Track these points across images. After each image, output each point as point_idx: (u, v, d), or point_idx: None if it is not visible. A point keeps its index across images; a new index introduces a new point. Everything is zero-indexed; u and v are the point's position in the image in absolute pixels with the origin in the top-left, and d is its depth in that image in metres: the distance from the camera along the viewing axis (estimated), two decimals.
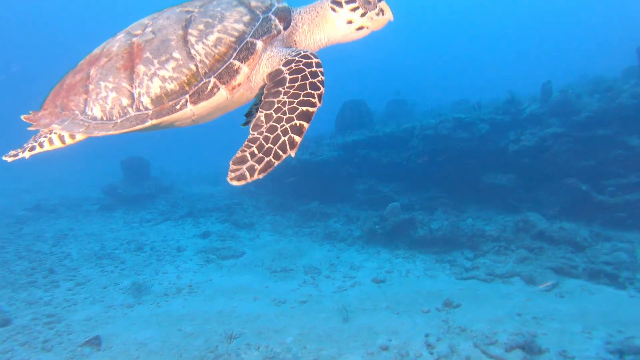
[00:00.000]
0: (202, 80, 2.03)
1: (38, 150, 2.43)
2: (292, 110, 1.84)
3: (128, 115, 2.08)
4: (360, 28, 2.28)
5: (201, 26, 2.08)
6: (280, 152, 1.77)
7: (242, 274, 8.06)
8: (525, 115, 10.64)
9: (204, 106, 2.06)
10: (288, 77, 1.96)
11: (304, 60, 2.00)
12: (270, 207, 13.27)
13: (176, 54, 2.03)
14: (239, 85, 2.10)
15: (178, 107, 2.03)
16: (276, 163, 1.76)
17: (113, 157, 18.07)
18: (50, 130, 2.35)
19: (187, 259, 8.88)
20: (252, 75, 2.15)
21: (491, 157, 10.69)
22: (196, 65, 2.02)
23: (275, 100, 1.89)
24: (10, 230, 10.72)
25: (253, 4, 2.20)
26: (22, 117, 2.37)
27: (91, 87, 2.16)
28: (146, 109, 2.07)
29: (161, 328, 5.71)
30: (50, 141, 2.40)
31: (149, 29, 2.17)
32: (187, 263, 8.64)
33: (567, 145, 9.73)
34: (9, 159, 2.45)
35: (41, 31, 50.83)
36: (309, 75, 1.94)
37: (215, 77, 2.03)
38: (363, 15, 2.24)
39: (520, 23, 58.49)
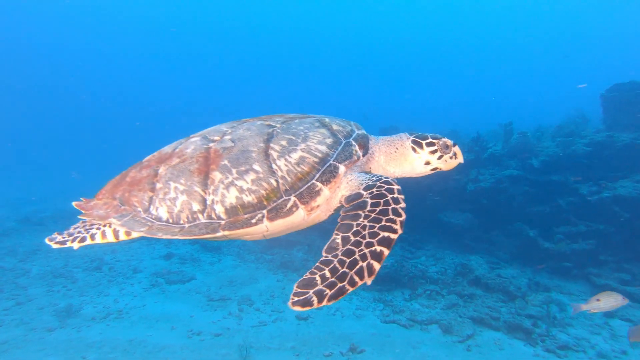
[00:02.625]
0: (282, 197, 1.99)
1: (88, 242, 2.26)
2: (373, 235, 1.70)
3: (198, 222, 2.00)
4: (435, 169, 2.41)
5: (284, 142, 2.09)
6: (357, 278, 1.57)
7: (178, 300, 8.33)
8: (487, 155, 10.57)
9: (280, 224, 2.00)
10: (369, 201, 1.89)
11: (386, 186, 1.96)
12: None
13: (257, 167, 2.01)
14: (317, 206, 2.07)
15: (254, 221, 1.96)
16: (350, 290, 1.54)
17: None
18: (105, 224, 2.23)
19: (136, 282, 9.25)
20: (331, 198, 2.12)
21: (451, 195, 10.64)
22: (277, 181, 1.99)
23: (354, 223, 1.79)
24: None
25: (335, 127, 2.25)
26: (74, 203, 2.35)
27: (159, 185, 2.09)
28: (219, 218, 1.98)
29: (66, 355, 6.03)
30: (104, 234, 2.25)
31: (227, 137, 2.18)
32: (134, 286, 9.00)
33: (523, 189, 9.61)
34: (54, 245, 2.27)
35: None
36: (391, 201, 1.86)
37: (295, 196, 1.99)
38: (440, 158, 2.37)
39: (537, 57, 58.50)
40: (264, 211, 1.96)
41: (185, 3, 53.50)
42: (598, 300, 5.26)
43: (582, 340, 6.46)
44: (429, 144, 2.36)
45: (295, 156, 2.04)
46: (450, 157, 2.38)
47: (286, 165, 2.02)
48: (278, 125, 2.20)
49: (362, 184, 2.05)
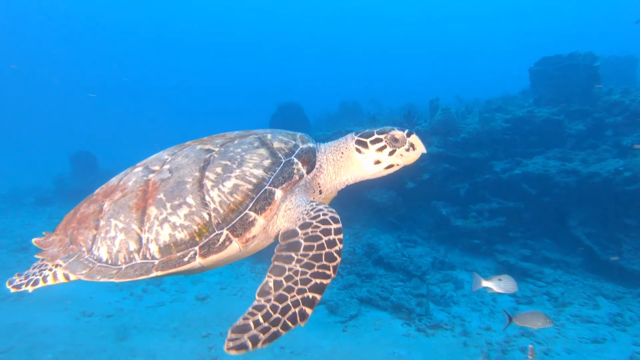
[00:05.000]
0: (214, 231, 1.88)
1: (41, 284, 2.22)
2: (305, 281, 1.66)
3: (133, 263, 1.92)
4: (390, 166, 2.16)
5: (219, 169, 1.96)
6: (289, 323, 1.57)
7: (89, 281, 8.41)
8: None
9: (214, 259, 1.91)
10: (303, 243, 1.79)
11: (322, 227, 1.82)
12: None
13: (190, 199, 1.90)
14: (253, 237, 1.95)
15: (186, 259, 1.87)
16: (283, 333, 1.55)
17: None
18: (55, 265, 2.17)
19: None
20: (269, 225, 2.01)
21: None
22: (209, 214, 1.89)
23: (287, 267, 1.72)
24: None
25: (276, 145, 2.09)
26: (33, 240, 2.33)
27: (102, 222, 2.03)
28: (153, 257, 1.90)
29: None
30: (55, 276, 2.19)
31: (166, 166, 2.08)
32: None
33: (443, 166, 9.48)
34: (12, 290, 2.24)
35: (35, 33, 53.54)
36: (325, 245, 1.76)
37: (228, 230, 1.88)
38: (391, 154, 2.12)
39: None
40: (196, 248, 1.87)
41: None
42: (500, 280, 5.12)
43: (457, 319, 6.50)
44: (375, 141, 2.11)
45: (228, 185, 1.92)
46: (407, 150, 2.12)
47: (219, 195, 1.90)
48: (216, 149, 2.07)
49: (299, 219, 1.91)
